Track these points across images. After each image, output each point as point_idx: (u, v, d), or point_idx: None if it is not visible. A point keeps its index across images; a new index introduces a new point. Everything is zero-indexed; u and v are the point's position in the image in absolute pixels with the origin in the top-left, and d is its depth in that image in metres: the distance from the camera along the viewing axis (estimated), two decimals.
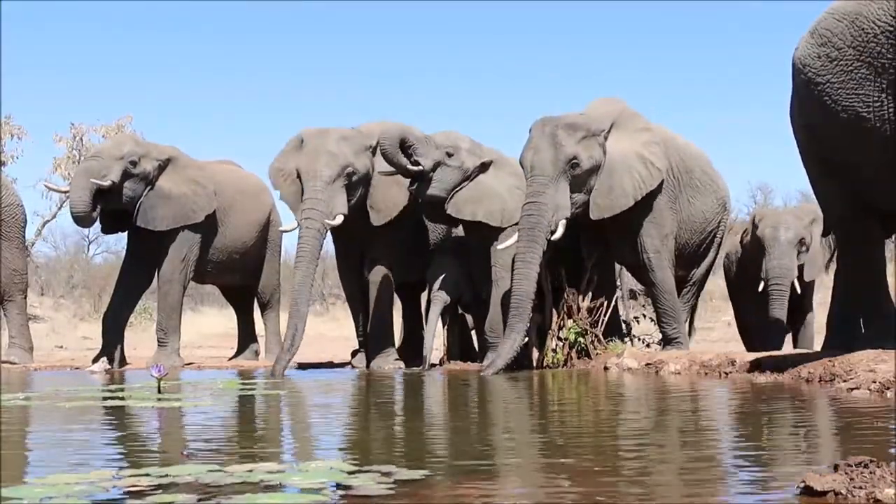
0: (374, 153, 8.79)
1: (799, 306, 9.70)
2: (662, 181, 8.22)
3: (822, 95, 6.21)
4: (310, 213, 8.30)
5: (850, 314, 7.37)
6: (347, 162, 8.50)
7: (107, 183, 9.31)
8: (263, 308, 11.30)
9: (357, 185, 8.65)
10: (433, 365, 9.01)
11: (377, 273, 9.04)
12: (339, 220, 8.37)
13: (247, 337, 11.51)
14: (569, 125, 7.83)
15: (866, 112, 6.00)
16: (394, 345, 9.34)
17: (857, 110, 6.04)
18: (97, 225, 10.95)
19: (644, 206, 8.20)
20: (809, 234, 9.15)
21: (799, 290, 9.31)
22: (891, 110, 5.90)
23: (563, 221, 7.72)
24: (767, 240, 9.05)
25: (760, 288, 9.25)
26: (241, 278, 10.97)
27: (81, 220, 9.47)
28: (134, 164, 9.57)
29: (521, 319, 7.76)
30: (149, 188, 9.69)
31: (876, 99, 5.95)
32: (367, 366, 9.17)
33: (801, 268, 9.20)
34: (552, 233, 7.73)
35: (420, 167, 8.41)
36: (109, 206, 9.60)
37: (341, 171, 8.44)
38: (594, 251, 8.63)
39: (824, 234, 8.54)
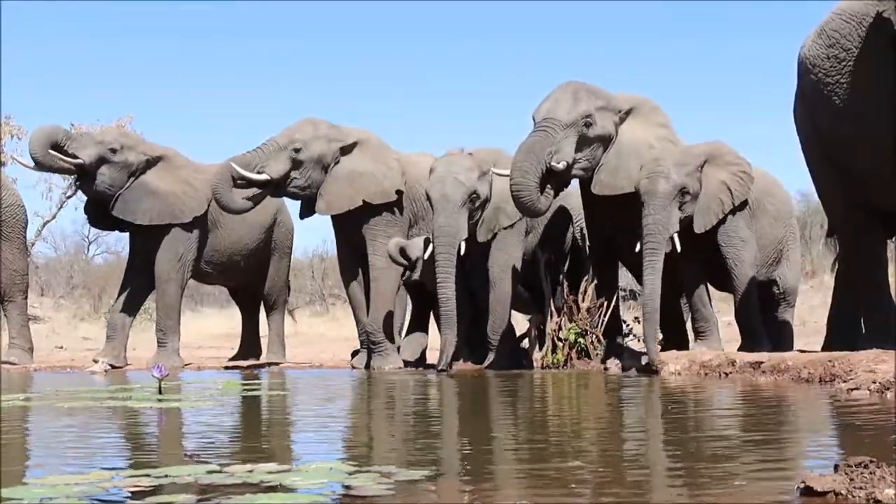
0: (344, 151, 8.97)
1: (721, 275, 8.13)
2: None
3: (831, 96, 6.22)
4: (235, 162, 8.76)
5: (850, 314, 7.38)
6: (296, 139, 8.82)
7: (75, 161, 9.47)
8: (269, 310, 11.27)
9: (303, 165, 8.82)
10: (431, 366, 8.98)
11: (375, 269, 8.99)
12: (264, 177, 8.69)
13: (250, 338, 11.50)
14: (591, 90, 7.89)
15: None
16: (393, 344, 9.29)
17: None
18: (96, 225, 11.00)
19: None
20: (695, 181, 7.64)
21: (680, 247, 7.56)
22: None
23: (565, 163, 7.62)
24: (643, 194, 7.49)
25: (637, 248, 7.55)
26: (244, 280, 10.95)
27: (38, 164, 9.49)
28: (114, 151, 9.65)
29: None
30: (132, 179, 9.75)
31: None
32: (367, 366, 9.15)
33: (690, 219, 7.67)
34: (552, 169, 7.58)
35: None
36: (85, 189, 9.81)
37: (287, 144, 8.80)
38: (595, 250, 8.61)
39: (828, 235, 8.45)
